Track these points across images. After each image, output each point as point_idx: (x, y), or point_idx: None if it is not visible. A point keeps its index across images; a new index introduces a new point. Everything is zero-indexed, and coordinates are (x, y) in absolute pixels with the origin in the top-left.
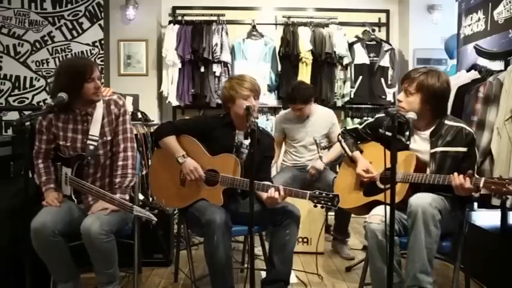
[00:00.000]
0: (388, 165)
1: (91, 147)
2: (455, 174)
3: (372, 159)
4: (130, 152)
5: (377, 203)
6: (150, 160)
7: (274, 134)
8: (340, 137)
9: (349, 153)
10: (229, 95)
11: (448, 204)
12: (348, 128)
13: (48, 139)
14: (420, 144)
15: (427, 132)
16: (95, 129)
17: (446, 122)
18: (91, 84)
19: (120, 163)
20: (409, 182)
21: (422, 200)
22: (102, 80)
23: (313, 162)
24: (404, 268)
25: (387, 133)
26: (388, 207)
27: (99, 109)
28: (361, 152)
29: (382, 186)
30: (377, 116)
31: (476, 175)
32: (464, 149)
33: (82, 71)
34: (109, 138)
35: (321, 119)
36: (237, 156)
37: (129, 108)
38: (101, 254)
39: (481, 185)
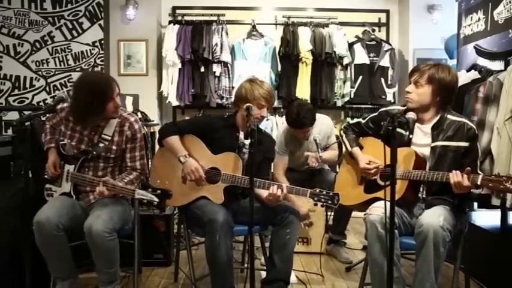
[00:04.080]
0: (388, 161)
1: (101, 145)
2: (454, 171)
3: (371, 156)
4: (135, 174)
5: (377, 200)
6: (150, 160)
7: (279, 157)
8: (342, 131)
9: (349, 148)
10: (245, 96)
11: (452, 217)
12: (351, 122)
13: (57, 122)
14: (421, 137)
15: (429, 126)
16: (108, 131)
17: (449, 116)
18: (111, 104)
19: (124, 173)
20: (408, 179)
21: (434, 221)
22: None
23: (311, 156)
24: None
25: (388, 127)
26: (388, 204)
27: (112, 125)
28: (361, 148)
29: (382, 183)
30: (381, 110)
31: (478, 171)
32: (465, 144)
33: (104, 92)
34: (112, 156)
35: (321, 132)
36: (239, 156)
37: (129, 108)
38: (103, 252)
39: (479, 182)
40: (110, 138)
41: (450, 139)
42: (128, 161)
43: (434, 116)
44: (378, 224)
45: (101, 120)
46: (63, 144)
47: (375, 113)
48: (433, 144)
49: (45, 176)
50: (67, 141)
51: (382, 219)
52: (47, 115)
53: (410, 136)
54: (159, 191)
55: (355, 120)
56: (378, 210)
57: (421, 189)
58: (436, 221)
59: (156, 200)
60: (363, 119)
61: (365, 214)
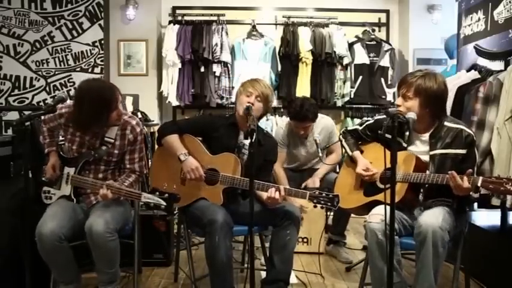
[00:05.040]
0: (388, 165)
1: (103, 148)
2: (453, 173)
3: (372, 160)
4: (134, 176)
5: (377, 203)
6: (150, 160)
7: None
8: (341, 136)
9: (350, 152)
10: (238, 91)
11: (452, 217)
12: (348, 128)
13: (55, 126)
14: (420, 146)
15: (427, 135)
16: (110, 134)
17: (446, 123)
18: (115, 112)
19: (124, 175)
20: (408, 182)
21: (433, 221)
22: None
23: (310, 181)
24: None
25: (386, 135)
26: (388, 207)
27: (114, 129)
28: (362, 152)
29: (382, 186)
30: (376, 117)
31: (475, 175)
32: (463, 151)
33: (109, 101)
34: (114, 159)
35: (322, 133)
36: (238, 157)
37: (129, 108)
38: (104, 252)
39: (479, 184)
40: (112, 141)
41: (448, 146)
42: (126, 163)
43: (430, 125)
44: (378, 232)
45: (102, 128)
46: (61, 146)
47: (371, 121)
48: (431, 153)
49: (43, 179)
50: (67, 145)
51: (382, 227)
52: (44, 117)
53: (405, 144)
54: (166, 195)
55: (353, 127)
56: (378, 217)
57: (421, 191)
58: (435, 222)
59: (164, 203)
60: (360, 125)
61: (365, 221)
